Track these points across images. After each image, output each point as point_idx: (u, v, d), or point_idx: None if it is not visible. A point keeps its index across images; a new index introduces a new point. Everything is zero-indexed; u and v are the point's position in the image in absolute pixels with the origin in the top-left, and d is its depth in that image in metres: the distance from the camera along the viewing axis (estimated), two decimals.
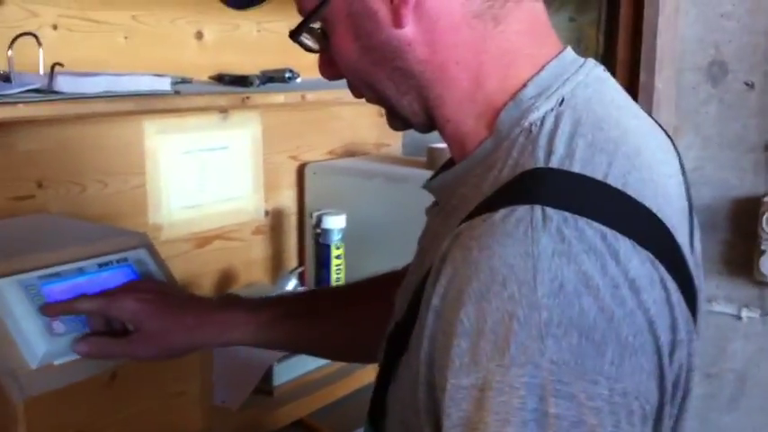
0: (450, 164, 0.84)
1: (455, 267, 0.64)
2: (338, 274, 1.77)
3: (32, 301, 1.03)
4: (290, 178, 1.89)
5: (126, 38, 1.51)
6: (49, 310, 1.03)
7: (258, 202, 1.81)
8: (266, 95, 1.32)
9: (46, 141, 1.40)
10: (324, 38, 0.78)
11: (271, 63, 1.68)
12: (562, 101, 0.71)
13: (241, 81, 1.44)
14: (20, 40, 1.15)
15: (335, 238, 1.76)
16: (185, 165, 1.65)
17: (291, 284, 1.67)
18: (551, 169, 0.66)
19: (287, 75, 1.56)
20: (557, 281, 0.60)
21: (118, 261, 1.16)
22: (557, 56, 0.75)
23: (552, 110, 0.71)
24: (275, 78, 1.52)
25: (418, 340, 0.68)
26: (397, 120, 0.82)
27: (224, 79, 1.49)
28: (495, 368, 0.59)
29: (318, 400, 1.37)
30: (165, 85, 1.22)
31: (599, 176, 0.66)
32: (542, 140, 0.69)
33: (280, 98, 1.34)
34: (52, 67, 1.04)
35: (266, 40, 1.78)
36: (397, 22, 0.73)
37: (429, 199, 1.69)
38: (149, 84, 1.20)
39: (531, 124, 0.70)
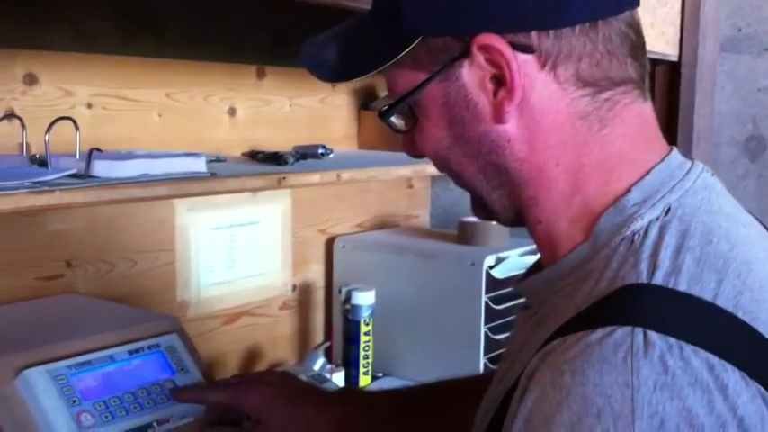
0: (539, 265, 0.79)
1: (544, 390, 0.60)
2: (366, 351, 1.74)
3: (62, 392, 1.01)
4: (319, 252, 1.87)
5: (160, 116, 1.51)
6: (179, 396, 1.08)
7: (286, 277, 1.79)
8: (302, 176, 1.30)
9: (76, 220, 1.39)
10: (412, 118, 0.76)
11: (301, 138, 1.67)
12: (668, 209, 0.67)
13: (275, 159, 1.42)
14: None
15: (365, 314, 1.73)
16: (215, 241, 1.63)
17: (319, 363, 1.63)
18: (655, 286, 0.61)
19: (320, 151, 1.54)
20: (657, 417, 0.55)
21: (149, 347, 1.13)
22: (663, 159, 0.71)
23: (657, 219, 0.66)
24: (308, 155, 1.51)
25: None
26: (482, 210, 0.78)
27: (257, 156, 1.47)
28: None
29: None
30: (200, 166, 1.20)
31: (708, 297, 0.61)
32: (646, 253, 0.64)
33: (315, 178, 1.32)
34: (90, 152, 1.03)
35: (297, 115, 1.77)
36: (499, 117, 0.70)
37: (462, 276, 1.68)
38: (185, 165, 1.18)
39: (633, 233, 0.66)
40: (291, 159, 1.40)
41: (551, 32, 0.68)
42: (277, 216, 1.75)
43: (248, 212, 1.69)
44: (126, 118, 1.45)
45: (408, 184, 2.11)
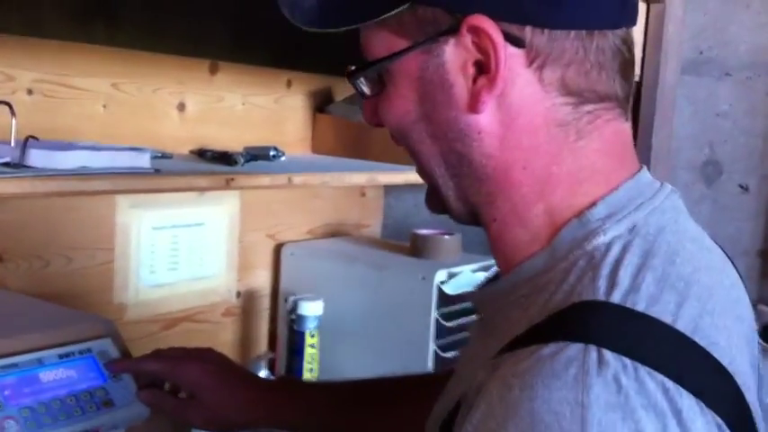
0: (497, 275, 0.76)
1: (490, 405, 0.57)
2: (311, 363, 1.68)
3: None
4: (266, 258, 1.81)
5: (105, 106, 1.43)
6: (114, 366, 1.05)
7: (230, 283, 1.72)
8: (251, 177, 1.24)
9: (7, 212, 1.31)
10: (379, 84, 0.71)
11: (253, 138, 1.62)
12: (633, 227, 0.65)
13: (224, 158, 1.36)
14: None
15: (311, 325, 1.67)
16: (157, 241, 1.55)
17: (260, 374, 1.57)
18: (613, 304, 0.59)
19: (272, 153, 1.48)
20: None
21: (81, 352, 1.06)
22: (632, 176, 0.69)
23: (621, 236, 0.64)
24: (259, 156, 1.45)
25: None
26: (435, 200, 0.75)
27: (206, 155, 1.41)
28: None
29: None
30: (144, 161, 1.14)
31: (667, 319, 0.59)
32: (605, 269, 0.62)
33: (265, 180, 1.26)
34: (26, 140, 0.96)
35: (250, 114, 1.71)
36: (474, 106, 0.66)
37: (413, 291, 1.63)
38: (128, 160, 1.12)
39: (594, 249, 0.64)
40: (241, 160, 1.34)
41: (546, 31, 0.64)
42: (224, 218, 1.68)
43: (194, 213, 1.62)
44: (69, 107, 1.38)
45: (361, 192, 2.06)
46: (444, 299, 1.65)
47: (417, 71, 0.68)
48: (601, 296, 0.60)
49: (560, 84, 0.66)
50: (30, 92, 1.31)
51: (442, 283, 1.64)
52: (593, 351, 0.55)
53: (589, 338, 0.56)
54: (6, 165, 0.95)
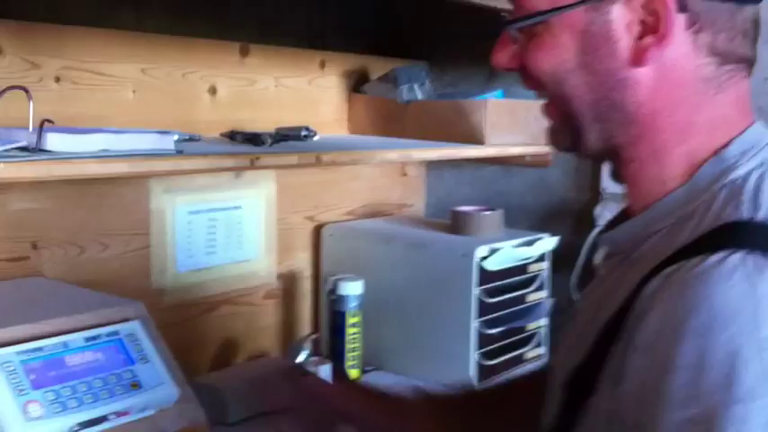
0: (623, 216, 0.85)
1: (669, 305, 0.67)
2: (354, 343, 1.66)
3: (9, 380, 0.93)
4: (306, 240, 1.79)
5: (134, 92, 1.43)
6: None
7: (270, 265, 1.71)
8: (278, 157, 1.22)
9: (42, 200, 1.31)
10: (530, 33, 0.78)
11: (288, 120, 1.60)
12: (763, 162, 0.75)
13: (253, 139, 1.35)
14: (13, 93, 1.06)
15: (352, 305, 1.65)
16: (193, 225, 1.55)
17: (302, 355, 1.55)
18: (759, 222, 0.70)
19: (303, 133, 1.46)
20: None
21: (108, 335, 1.06)
22: (752, 124, 0.79)
23: (755, 169, 0.75)
24: (290, 137, 1.43)
25: (612, 380, 0.70)
26: (566, 138, 0.82)
27: (236, 137, 1.40)
28: (720, 402, 0.62)
29: None
30: (168, 143, 1.13)
31: None
32: (747, 195, 0.73)
33: (293, 159, 1.24)
34: (41, 124, 0.95)
35: (283, 96, 1.69)
36: (638, 60, 0.75)
37: (453, 268, 1.60)
38: (152, 142, 1.11)
39: (733, 180, 0.74)
40: (269, 140, 1.33)
41: (707, 1, 0.74)
42: (261, 201, 1.68)
43: (229, 196, 1.61)
44: (97, 94, 1.38)
45: (402, 172, 2.04)
46: (486, 276, 1.62)
47: (583, 25, 0.75)
48: (746, 217, 0.70)
49: (710, 47, 0.75)
50: (57, 79, 1.32)
51: (483, 259, 1.61)
52: (751, 257, 0.66)
53: (746, 247, 0.67)
54: (23, 149, 0.95)
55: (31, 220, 1.30)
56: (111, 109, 1.39)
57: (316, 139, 1.50)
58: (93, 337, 1.04)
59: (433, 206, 2.08)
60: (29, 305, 1.12)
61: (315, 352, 1.72)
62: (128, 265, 1.45)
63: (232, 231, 1.62)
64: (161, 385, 1.06)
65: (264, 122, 1.56)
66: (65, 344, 1.01)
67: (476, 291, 1.60)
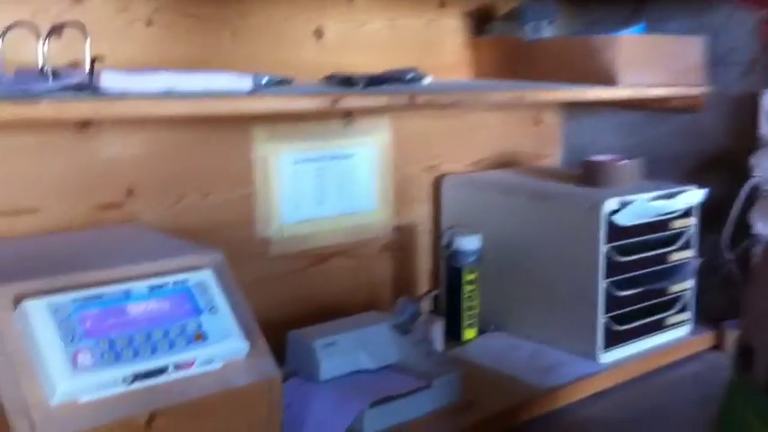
0: None
1: None
2: (470, 301, 1.56)
3: (60, 328, 0.90)
4: (425, 192, 1.69)
5: (232, 35, 1.38)
6: None
7: (387, 218, 1.63)
8: (365, 97, 1.13)
9: (136, 145, 1.29)
10: None
11: (402, 65, 1.50)
12: None
13: (347, 82, 1.26)
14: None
15: (468, 260, 1.55)
16: (301, 174, 1.49)
17: (410, 312, 1.44)
18: None
19: (409, 76, 1.36)
20: None
21: (174, 284, 1.01)
22: None
23: None
24: (393, 80, 1.33)
25: None
26: None
27: (333, 80, 1.31)
28: None
29: None
30: (244, 84, 1.06)
31: None
32: None
33: (382, 100, 1.14)
34: (92, 61, 0.90)
35: (397, 39, 1.59)
36: None
37: (579, 222, 1.45)
38: (226, 83, 1.04)
39: None
40: (362, 83, 1.23)
41: None
42: (374, 150, 1.59)
43: (340, 144, 1.54)
44: (192, 37, 1.33)
45: (537, 120, 1.89)
46: (618, 232, 1.46)
47: None
48: None
49: None
50: (149, 23, 1.28)
51: (614, 213, 1.45)
52: None
53: None
54: (75, 87, 0.90)
55: (125, 165, 1.28)
56: (207, 53, 1.34)
57: (425, 82, 1.40)
58: (159, 286, 0.99)
59: (572, 156, 1.92)
60: (105, 253, 1.09)
61: (433, 309, 1.63)
62: (230, 215, 1.40)
63: (343, 181, 1.55)
64: (229, 337, 1.00)
65: (375, 67, 1.47)
66: (127, 292, 0.97)
67: (604, 247, 1.45)
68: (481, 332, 1.59)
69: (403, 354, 1.29)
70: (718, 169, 1.70)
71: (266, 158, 1.44)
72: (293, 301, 1.48)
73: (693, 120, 1.72)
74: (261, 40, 1.40)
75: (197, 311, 1.00)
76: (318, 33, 1.48)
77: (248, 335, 1.02)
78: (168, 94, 0.95)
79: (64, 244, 1.14)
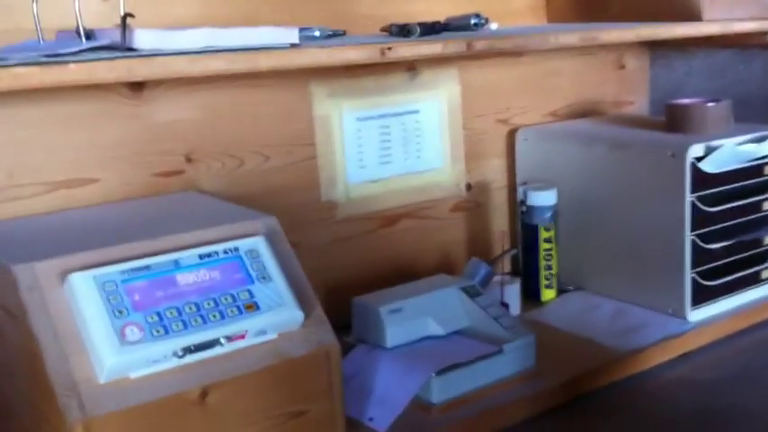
0: None
1: None
2: (548, 260, 1.48)
3: (108, 301, 0.87)
4: (499, 146, 1.61)
5: None
6: None
7: (458, 175, 1.56)
8: (416, 45, 1.06)
9: (193, 109, 1.25)
10: None
11: (470, 10, 1.41)
12: None
13: (404, 31, 1.19)
14: None
15: (544, 216, 1.47)
16: (365, 133, 1.43)
17: (481, 273, 1.37)
18: None
19: (473, 21, 1.28)
20: None
21: (225, 251, 0.97)
22: None
23: None
24: (455, 27, 1.26)
25: None
26: None
27: (390, 30, 1.24)
28: None
29: (484, 422, 1.10)
30: (290, 38, 1.01)
31: None
32: None
33: (436, 48, 1.07)
34: (123, 19, 0.86)
35: None
36: None
37: (662, 171, 1.35)
38: (269, 37, 0.99)
39: None
40: (417, 30, 1.16)
41: None
42: (442, 103, 1.52)
43: (405, 99, 1.47)
44: None
45: (619, 65, 1.78)
46: (704, 180, 1.36)
47: None
48: None
49: None
50: None
51: (699, 159, 1.35)
52: None
53: None
54: (108, 48, 0.86)
55: (183, 131, 1.25)
56: (263, 5, 1.29)
57: (492, 27, 1.32)
58: (209, 254, 0.96)
59: (659, 102, 1.81)
60: (155, 222, 1.06)
61: (511, 270, 1.56)
62: (292, 178, 1.36)
63: (410, 139, 1.49)
64: (282, 306, 0.96)
65: (441, 15, 1.39)
66: (176, 262, 0.93)
67: (690, 197, 1.35)
68: (561, 292, 1.51)
69: (474, 318, 1.23)
70: None
71: (327, 117, 1.39)
72: (362, 265, 1.44)
73: None
74: None
75: (248, 280, 0.96)
76: None
77: (303, 304, 0.98)
78: (204, 51, 0.90)
79: (118, 214, 1.11)
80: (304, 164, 1.37)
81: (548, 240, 1.47)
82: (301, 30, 1.08)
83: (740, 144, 1.39)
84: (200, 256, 0.95)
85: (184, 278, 0.93)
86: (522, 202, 1.48)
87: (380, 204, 1.47)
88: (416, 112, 1.49)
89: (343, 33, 1.20)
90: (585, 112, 1.72)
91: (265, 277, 0.97)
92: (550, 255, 1.48)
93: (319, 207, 1.40)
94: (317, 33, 1.18)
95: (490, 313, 1.22)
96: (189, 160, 1.26)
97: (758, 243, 1.47)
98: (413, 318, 1.20)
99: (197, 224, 1.01)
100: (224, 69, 0.91)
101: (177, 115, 1.24)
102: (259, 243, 0.99)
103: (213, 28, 0.95)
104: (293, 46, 0.97)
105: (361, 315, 1.21)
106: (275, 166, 1.34)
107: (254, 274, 0.97)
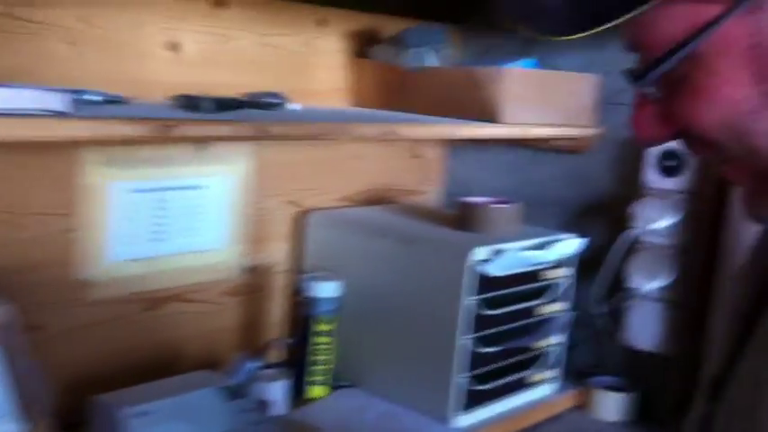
0: None
1: None
2: (322, 354, 1.39)
3: None
4: (285, 229, 1.53)
5: (71, 44, 1.19)
6: None
7: (235, 257, 1.45)
8: (204, 126, 0.97)
9: None
10: (674, 80, 0.57)
11: (274, 87, 1.34)
12: None
13: (193, 105, 1.08)
14: None
15: (321, 308, 1.39)
16: (138, 206, 1.31)
17: (248, 369, 1.26)
18: None
19: (269, 101, 1.20)
20: None
21: None
22: None
23: None
24: (250, 104, 1.17)
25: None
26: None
27: (179, 101, 1.14)
28: None
29: None
30: (54, 103, 0.88)
31: None
32: None
33: (225, 129, 0.98)
34: None
35: (269, 57, 1.44)
36: None
37: (445, 270, 1.31)
38: (30, 100, 0.86)
39: None
40: (210, 106, 1.07)
41: None
42: (230, 180, 1.42)
43: (189, 173, 1.36)
44: (24, 44, 1.14)
45: (416, 154, 1.75)
46: (488, 282, 1.33)
47: (747, 39, 0.55)
48: None
49: None
50: None
51: (483, 262, 1.32)
52: None
53: None
54: None
55: None
56: (41, 63, 1.16)
57: (292, 107, 1.25)
58: None
59: (454, 192, 1.79)
60: None
61: (290, 360, 1.46)
62: (46, 250, 1.21)
63: (189, 215, 1.37)
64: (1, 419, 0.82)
65: (241, 88, 1.30)
66: None
67: (468, 300, 1.31)
68: (336, 388, 1.43)
69: (233, 422, 1.12)
70: (600, 216, 1.60)
71: (94, 186, 1.25)
72: (116, 355, 1.29)
73: (579, 161, 1.61)
74: (102, 52, 1.22)
75: None
76: (173, 47, 1.31)
77: (30, 412, 0.84)
78: None
79: None
80: (60, 236, 1.23)
81: (322, 334, 1.39)
82: (74, 92, 0.96)
83: (525, 249, 1.37)
84: None
85: None
86: (300, 292, 1.40)
87: (145, 285, 1.34)
88: (200, 187, 1.38)
89: (124, 101, 1.08)
90: (380, 198, 1.68)
91: None
92: (325, 348, 1.40)
93: (72, 285, 1.25)
94: (94, 98, 1.06)
95: (249, 418, 1.11)
96: None
97: (530, 348, 1.46)
98: (162, 422, 1.07)
99: None
100: None
101: None
102: None
103: None
104: (61, 114, 0.84)
105: (102, 417, 1.07)
106: (25, 236, 1.19)
107: None
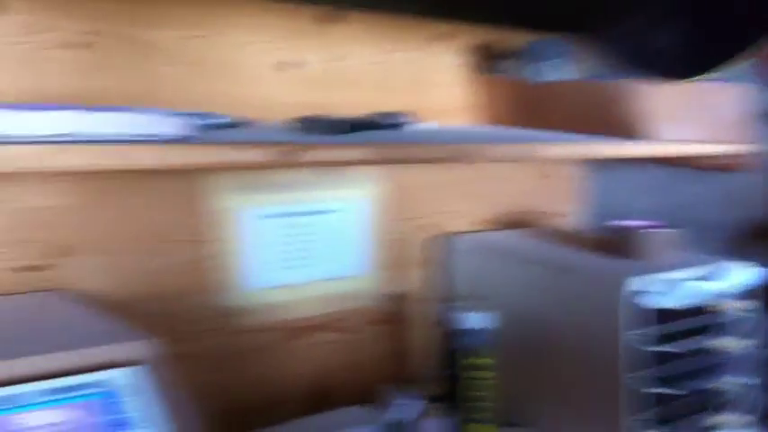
0: None
1: None
2: (481, 390, 1.29)
3: None
4: (425, 254, 1.44)
5: (170, 66, 1.14)
6: None
7: (377, 284, 1.37)
8: (327, 150, 0.89)
9: (63, 194, 1.04)
10: None
11: (391, 106, 1.27)
12: None
13: (312, 127, 1.01)
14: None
15: (476, 342, 1.29)
16: (272, 232, 1.24)
17: (408, 407, 1.18)
18: None
19: (397, 120, 1.13)
20: None
21: (81, 387, 0.76)
22: None
23: None
24: (376, 124, 1.10)
25: None
26: None
27: (298, 124, 1.07)
28: None
29: None
30: (174, 127, 0.81)
31: None
32: None
33: (349, 154, 0.90)
34: None
35: (385, 74, 1.36)
36: None
37: (599, 302, 1.19)
38: (146, 126, 0.80)
39: None
40: (343, 128, 1.00)
41: None
42: (365, 204, 1.34)
43: (323, 197, 1.29)
44: (123, 65, 1.09)
45: (543, 173, 1.64)
46: (656, 315, 1.21)
47: None
48: None
49: None
50: (69, 45, 1.04)
51: (649, 293, 1.20)
52: None
53: None
54: None
55: (52, 220, 1.04)
56: (149, 84, 1.11)
57: (423, 127, 1.17)
58: (62, 389, 0.75)
59: (597, 216, 1.68)
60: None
61: (436, 397, 1.37)
62: (182, 279, 1.16)
63: (324, 240, 1.30)
64: None
65: (356, 108, 1.23)
66: (11, 399, 0.72)
67: (627, 335, 1.19)
68: (507, 425, 1.32)
69: None
70: (764, 241, 1.46)
71: (228, 212, 1.19)
72: (264, 383, 1.23)
73: (729, 181, 1.48)
74: (208, 73, 1.17)
75: (117, 426, 0.75)
76: (281, 66, 1.24)
77: None
78: (62, 140, 0.71)
79: None
80: (197, 264, 1.17)
81: (478, 368, 1.29)
82: (193, 116, 0.90)
83: (693, 279, 1.25)
84: (51, 392, 0.74)
85: (24, 418, 0.72)
86: (447, 322, 1.30)
87: (287, 313, 1.27)
88: (334, 211, 1.31)
89: (245, 124, 1.02)
90: (518, 220, 1.58)
91: (137, 423, 0.76)
92: (486, 384, 1.29)
93: (211, 315, 1.19)
94: (207, 122, 1.00)
95: None
96: (60, 253, 1.05)
97: (712, 389, 1.32)
98: None
99: (52, 343, 0.79)
100: (89, 166, 0.71)
101: (47, 201, 1.03)
102: (133, 376, 0.79)
103: (76, 109, 0.75)
104: (181, 140, 0.78)
105: None
106: (161, 264, 1.14)
107: (124, 417, 0.76)
